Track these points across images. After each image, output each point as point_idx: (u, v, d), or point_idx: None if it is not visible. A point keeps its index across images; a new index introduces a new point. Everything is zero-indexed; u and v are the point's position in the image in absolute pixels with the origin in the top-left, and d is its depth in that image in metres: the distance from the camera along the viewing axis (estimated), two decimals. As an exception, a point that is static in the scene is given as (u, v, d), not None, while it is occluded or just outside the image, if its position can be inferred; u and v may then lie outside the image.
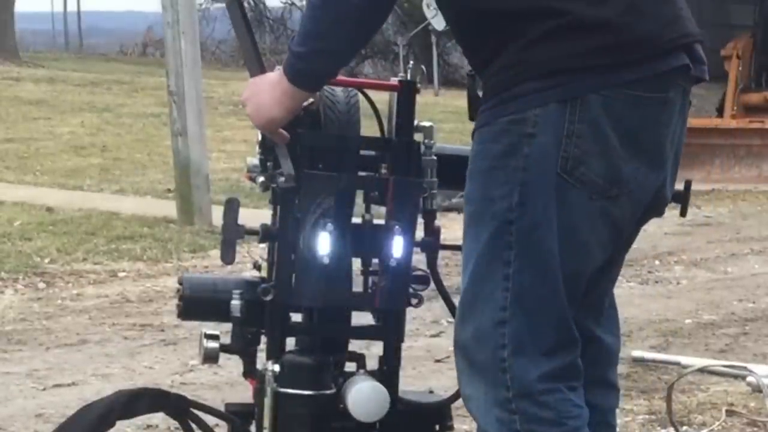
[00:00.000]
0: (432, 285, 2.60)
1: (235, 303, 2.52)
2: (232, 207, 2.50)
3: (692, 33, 2.34)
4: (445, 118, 13.29)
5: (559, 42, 2.21)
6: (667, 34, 2.28)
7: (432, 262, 2.60)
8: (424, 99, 5.69)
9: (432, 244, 2.61)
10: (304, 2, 29.59)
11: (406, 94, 2.60)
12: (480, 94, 2.36)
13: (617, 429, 2.57)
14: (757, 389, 4.68)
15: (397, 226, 2.48)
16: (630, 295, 6.56)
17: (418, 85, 2.63)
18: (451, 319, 2.49)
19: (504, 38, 2.25)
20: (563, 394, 2.29)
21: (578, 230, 2.26)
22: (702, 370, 4.94)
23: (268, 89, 2.36)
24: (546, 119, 2.21)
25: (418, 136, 2.60)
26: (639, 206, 2.35)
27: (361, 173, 2.57)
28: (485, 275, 2.27)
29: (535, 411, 2.27)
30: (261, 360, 2.55)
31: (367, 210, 2.60)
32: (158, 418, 3.96)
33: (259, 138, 2.56)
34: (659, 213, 2.44)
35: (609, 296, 2.51)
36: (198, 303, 2.57)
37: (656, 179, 2.34)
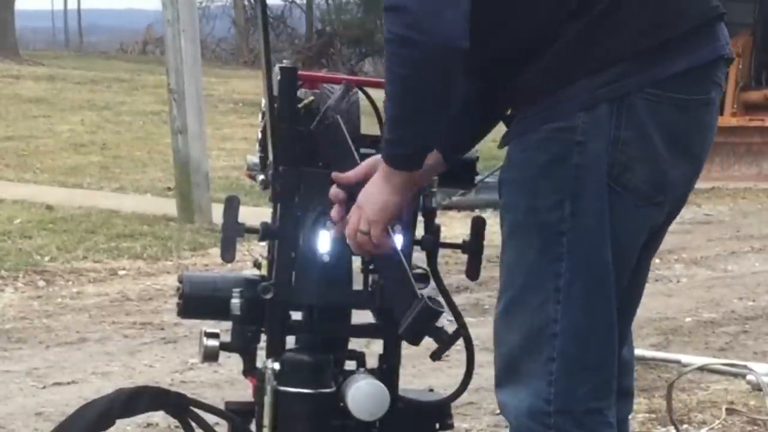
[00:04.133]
0: (432, 283, 2.59)
1: (235, 301, 2.51)
2: (232, 205, 2.49)
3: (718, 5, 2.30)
4: (445, 116, 13.26)
5: (600, 34, 2.16)
6: (698, 6, 2.24)
7: (432, 261, 2.59)
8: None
9: (432, 242, 2.60)
10: (305, 1, 29.55)
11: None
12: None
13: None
14: (757, 387, 4.68)
15: (397, 224, 2.47)
16: (630, 294, 6.55)
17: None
18: (451, 318, 2.49)
19: (537, 41, 2.19)
20: (603, 416, 2.26)
21: (625, 239, 2.23)
22: (702, 369, 4.94)
23: (377, 190, 2.27)
24: (594, 125, 2.17)
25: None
26: (675, 204, 2.32)
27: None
28: (535, 287, 2.23)
29: (572, 430, 2.24)
30: (261, 358, 2.54)
31: (368, 208, 2.59)
32: (158, 417, 3.96)
33: (259, 136, 2.55)
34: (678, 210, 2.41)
35: (638, 304, 2.49)
36: (198, 301, 2.57)
37: (693, 178, 2.32)
